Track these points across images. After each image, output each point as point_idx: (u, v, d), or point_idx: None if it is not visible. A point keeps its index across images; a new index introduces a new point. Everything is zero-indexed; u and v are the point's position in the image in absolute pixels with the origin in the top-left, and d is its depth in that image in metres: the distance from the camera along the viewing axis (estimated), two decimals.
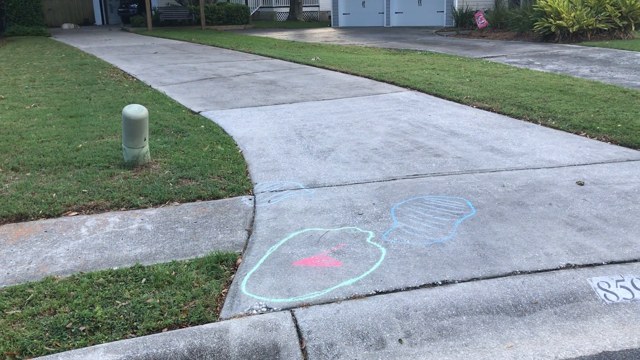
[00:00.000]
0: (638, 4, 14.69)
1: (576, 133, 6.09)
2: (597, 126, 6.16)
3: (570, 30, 14.63)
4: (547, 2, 14.91)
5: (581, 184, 4.56)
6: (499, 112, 7.10)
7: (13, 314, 2.90)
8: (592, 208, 4.08)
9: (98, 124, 6.60)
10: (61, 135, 6.09)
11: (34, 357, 2.59)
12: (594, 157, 5.27)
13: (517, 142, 5.77)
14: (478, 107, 7.43)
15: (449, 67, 10.91)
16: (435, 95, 8.28)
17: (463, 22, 21.17)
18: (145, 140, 4.97)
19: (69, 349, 2.65)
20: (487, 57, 12.64)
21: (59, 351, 2.63)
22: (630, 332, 2.85)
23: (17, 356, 2.60)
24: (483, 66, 10.96)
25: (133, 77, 10.51)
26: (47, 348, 2.65)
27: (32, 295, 3.05)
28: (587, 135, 5.98)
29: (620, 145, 5.63)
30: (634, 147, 5.52)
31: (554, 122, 6.47)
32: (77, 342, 2.70)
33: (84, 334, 2.76)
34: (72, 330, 2.78)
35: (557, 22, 14.63)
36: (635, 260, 3.35)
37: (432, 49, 14.69)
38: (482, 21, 18.44)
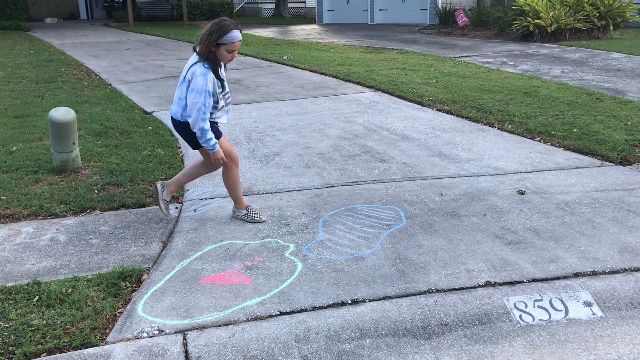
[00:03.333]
0: (616, 3, 14.57)
1: (531, 138, 5.93)
2: (553, 131, 6.01)
3: (549, 30, 14.50)
4: (525, 0, 14.76)
5: (522, 193, 4.40)
6: (457, 115, 6.94)
7: None
8: (526, 220, 3.92)
9: (41, 125, 6.38)
10: None
11: None
12: (543, 164, 5.11)
13: (467, 148, 5.61)
14: (438, 110, 7.27)
15: (420, 67, 10.73)
16: (398, 96, 8.11)
17: (446, 20, 20.99)
18: (74, 144, 4.77)
19: None
20: (462, 56, 12.49)
21: None
22: (540, 357, 2.69)
23: None
24: (454, 66, 10.80)
25: (96, 75, 10.27)
26: None
27: None
28: (541, 140, 5.83)
29: (573, 151, 5.48)
30: (586, 154, 5.37)
31: (510, 126, 6.31)
32: None
33: None
34: None
35: (536, 21, 14.49)
36: (557, 278, 3.19)
37: (409, 48, 14.52)
38: (463, 19, 18.29)
